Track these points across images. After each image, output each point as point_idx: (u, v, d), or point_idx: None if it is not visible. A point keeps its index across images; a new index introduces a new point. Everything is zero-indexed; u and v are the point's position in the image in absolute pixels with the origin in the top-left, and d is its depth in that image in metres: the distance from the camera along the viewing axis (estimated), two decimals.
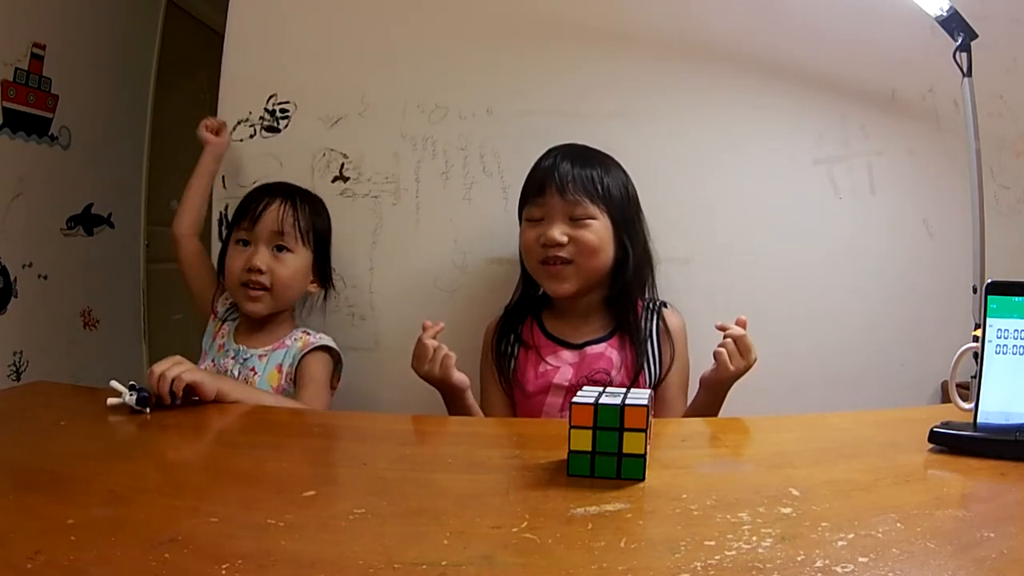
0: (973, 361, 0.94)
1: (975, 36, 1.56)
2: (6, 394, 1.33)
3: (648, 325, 1.51)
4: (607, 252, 1.45)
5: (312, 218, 1.61)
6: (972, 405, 0.90)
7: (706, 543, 0.61)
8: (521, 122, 1.80)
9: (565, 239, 1.42)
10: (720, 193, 1.81)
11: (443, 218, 1.81)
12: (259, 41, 1.85)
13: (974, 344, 0.92)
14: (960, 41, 1.55)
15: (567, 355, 1.49)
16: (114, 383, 1.14)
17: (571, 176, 1.44)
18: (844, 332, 1.83)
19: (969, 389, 1.01)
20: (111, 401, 1.13)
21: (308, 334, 1.58)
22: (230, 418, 1.13)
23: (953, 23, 1.55)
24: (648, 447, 0.80)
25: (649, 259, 1.56)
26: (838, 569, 0.56)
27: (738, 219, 1.81)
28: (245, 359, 1.53)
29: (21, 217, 2.32)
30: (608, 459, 0.79)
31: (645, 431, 0.78)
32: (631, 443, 0.78)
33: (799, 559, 0.58)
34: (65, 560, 0.58)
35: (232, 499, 0.77)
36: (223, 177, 1.84)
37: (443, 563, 0.58)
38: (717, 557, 0.59)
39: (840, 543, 0.61)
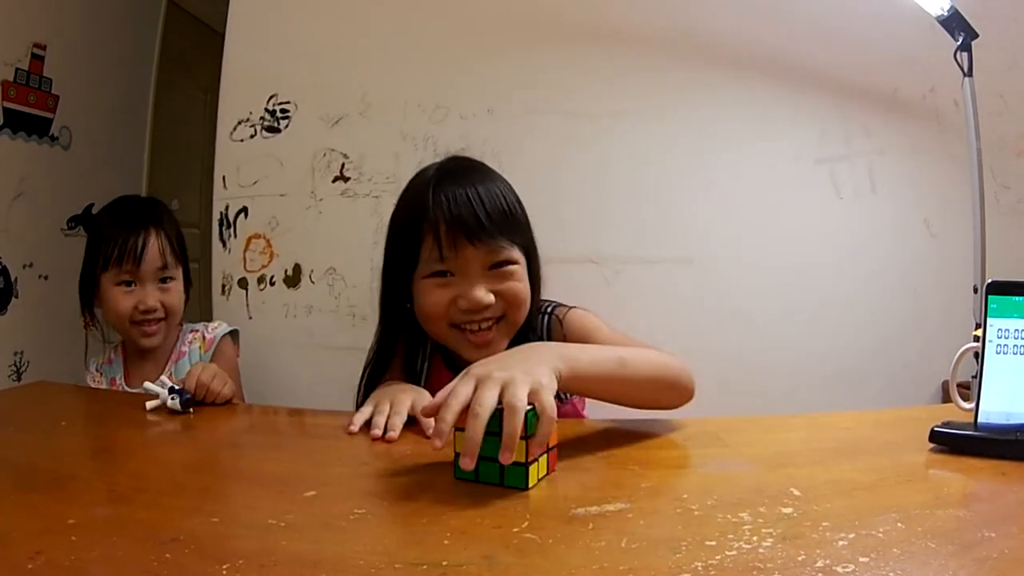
0: (974, 361, 0.93)
1: (976, 36, 1.56)
2: (7, 394, 1.33)
3: (544, 335, 1.26)
4: (529, 295, 1.19)
5: (176, 236, 1.58)
6: (973, 405, 0.90)
7: (707, 543, 0.61)
8: (522, 122, 1.81)
9: (491, 298, 1.14)
10: (722, 193, 1.81)
11: None
12: (260, 41, 1.85)
13: (975, 344, 0.92)
14: (961, 41, 1.55)
15: None
16: (148, 385, 1.13)
17: (482, 213, 1.13)
18: (845, 332, 1.83)
19: (970, 389, 1.01)
20: (149, 404, 1.11)
21: (195, 331, 1.61)
22: (231, 418, 1.13)
23: (954, 23, 1.55)
24: (541, 456, 0.77)
25: (539, 270, 1.26)
26: (839, 569, 0.56)
27: (740, 219, 1.81)
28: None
29: (22, 217, 2.32)
30: (491, 465, 0.75)
31: (526, 439, 0.75)
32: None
33: (800, 559, 0.58)
34: (66, 560, 0.58)
35: (233, 499, 0.77)
36: (224, 177, 1.84)
37: (444, 563, 0.58)
38: (718, 557, 0.58)
39: (841, 543, 0.61)
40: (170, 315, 1.54)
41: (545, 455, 0.79)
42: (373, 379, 1.26)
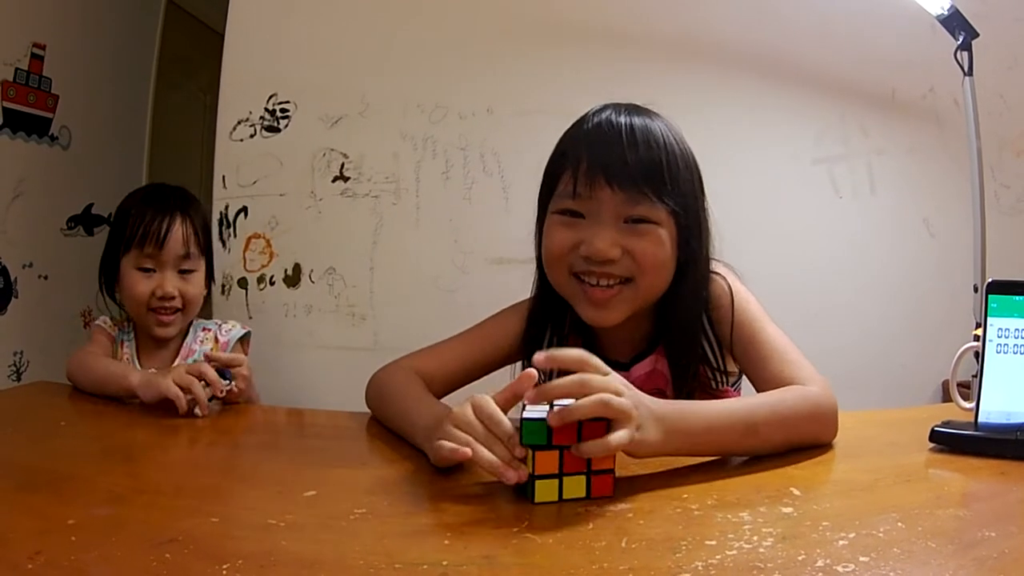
0: (974, 360, 0.93)
1: (976, 35, 1.56)
2: (7, 394, 1.33)
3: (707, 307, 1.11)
4: (670, 267, 1.04)
5: (203, 228, 1.54)
6: (973, 404, 0.90)
7: (707, 543, 0.61)
8: (521, 122, 1.81)
9: (617, 252, 1.00)
10: (720, 193, 1.80)
11: (443, 218, 1.81)
12: (259, 41, 1.85)
13: (975, 343, 0.92)
14: (961, 40, 1.55)
15: None
16: None
17: (631, 154, 0.99)
18: (845, 332, 1.83)
19: (970, 388, 1.01)
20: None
21: (208, 329, 1.55)
22: (230, 418, 1.13)
23: (954, 22, 1.55)
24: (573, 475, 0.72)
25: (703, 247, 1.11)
26: (839, 568, 0.56)
27: (738, 219, 1.80)
28: None
29: (21, 217, 2.32)
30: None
31: (533, 447, 0.71)
32: (541, 464, 0.71)
33: (800, 558, 0.58)
34: (66, 560, 0.58)
35: (233, 499, 0.77)
36: (223, 176, 1.84)
37: (444, 563, 0.58)
38: (718, 557, 0.58)
39: (841, 542, 0.61)
40: (188, 306, 1.48)
41: (585, 476, 0.72)
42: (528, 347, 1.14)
